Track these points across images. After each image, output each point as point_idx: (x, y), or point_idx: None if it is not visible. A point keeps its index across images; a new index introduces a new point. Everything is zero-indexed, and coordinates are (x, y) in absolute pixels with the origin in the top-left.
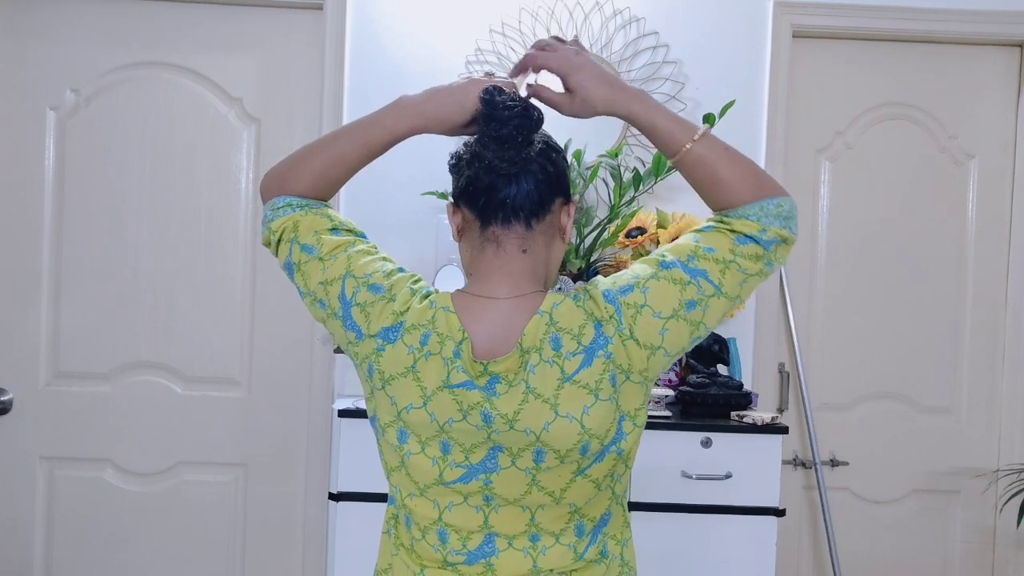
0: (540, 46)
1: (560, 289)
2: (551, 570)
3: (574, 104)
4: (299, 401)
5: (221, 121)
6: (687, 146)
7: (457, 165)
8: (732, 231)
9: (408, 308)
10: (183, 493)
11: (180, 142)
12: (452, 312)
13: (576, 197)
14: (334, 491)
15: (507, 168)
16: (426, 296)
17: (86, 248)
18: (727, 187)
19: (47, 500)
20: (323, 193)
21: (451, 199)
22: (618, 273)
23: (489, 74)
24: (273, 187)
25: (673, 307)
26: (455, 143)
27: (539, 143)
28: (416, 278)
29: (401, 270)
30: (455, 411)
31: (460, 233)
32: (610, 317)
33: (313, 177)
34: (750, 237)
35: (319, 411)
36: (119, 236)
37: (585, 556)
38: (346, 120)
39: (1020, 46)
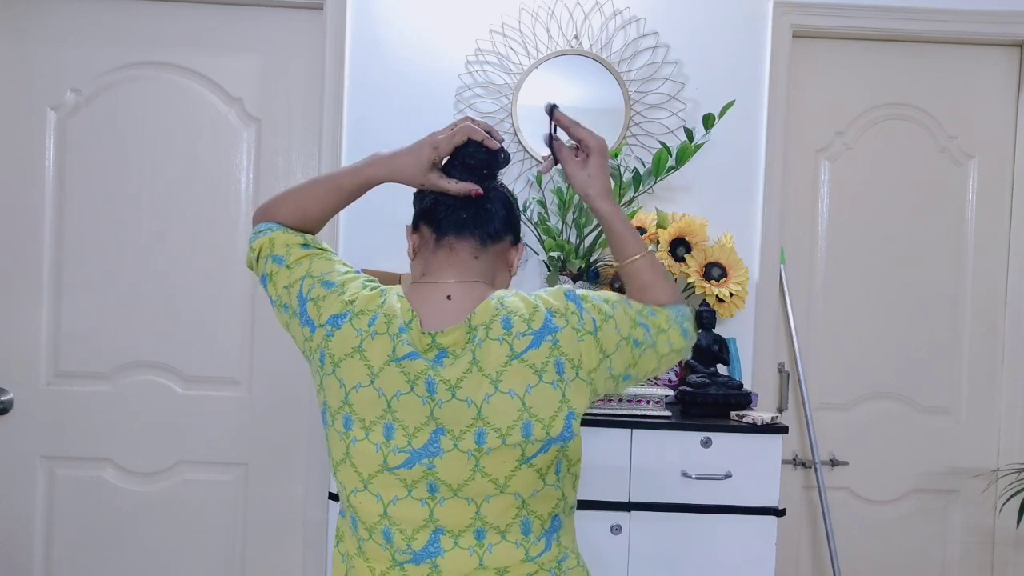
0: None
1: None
2: (497, 568)
3: (580, 174)
4: (299, 401)
5: (221, 121)
6: (637, 256)
7: (421, 192)
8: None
9: (357, 298)
10: (183, 493)
11: (180, 142)
12: (403, 297)
13: (522, 244)
14: (334, 491)
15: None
16: (379, 289)
17: (86, 248)
18: (653, 293)
19: (47, 500)
20: (302, 229)
21: (410, 222)
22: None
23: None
24: (259, 218)
25: (627, 333)
26: None
27: (501, 185)
28: (372, 280)
29: (359, 273)
30: (403, 382)
31: (415, 252)
32: (567, 311)
33: (290, 213)
34: (683, 328)
35: (319, 411)
36: (119, 236)
37: (539, 559)
38: (345, 120)
39: (1020, 46)
